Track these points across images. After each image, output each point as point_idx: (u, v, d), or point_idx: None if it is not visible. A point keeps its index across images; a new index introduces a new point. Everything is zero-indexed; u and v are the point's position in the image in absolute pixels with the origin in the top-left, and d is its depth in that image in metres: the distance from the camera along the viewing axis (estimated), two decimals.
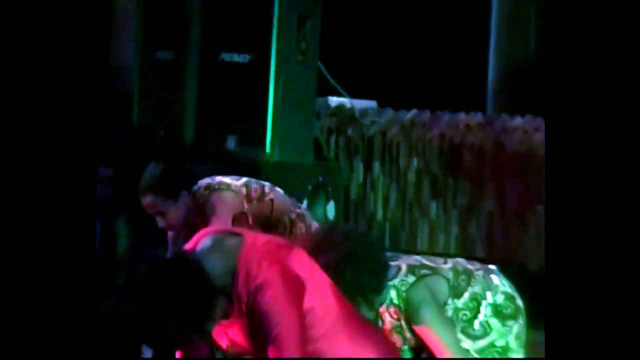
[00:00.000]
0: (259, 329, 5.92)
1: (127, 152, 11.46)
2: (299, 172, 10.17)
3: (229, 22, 10.96)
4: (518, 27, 12.00)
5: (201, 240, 5.96)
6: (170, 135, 11.51)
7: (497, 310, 7.35)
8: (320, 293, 6.12)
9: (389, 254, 7.52)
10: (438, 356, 7.35)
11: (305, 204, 10.29)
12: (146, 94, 11.10)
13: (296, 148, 10.51)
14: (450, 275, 7.35)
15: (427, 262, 7.35)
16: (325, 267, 6.49)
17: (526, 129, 10.60)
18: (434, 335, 7.30)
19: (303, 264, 6.07)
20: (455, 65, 12.13)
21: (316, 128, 10.78)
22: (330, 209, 10.52)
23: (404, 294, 7.25)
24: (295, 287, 5.99)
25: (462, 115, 10.91)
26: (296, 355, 5.97)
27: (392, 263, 7.32)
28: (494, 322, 7.35)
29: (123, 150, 11.43)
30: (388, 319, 7.36)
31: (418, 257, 7.39)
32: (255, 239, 5.99)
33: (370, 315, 7.25)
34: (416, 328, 7.25)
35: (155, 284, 5.66)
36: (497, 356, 7.48)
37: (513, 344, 7.41)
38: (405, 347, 7.48)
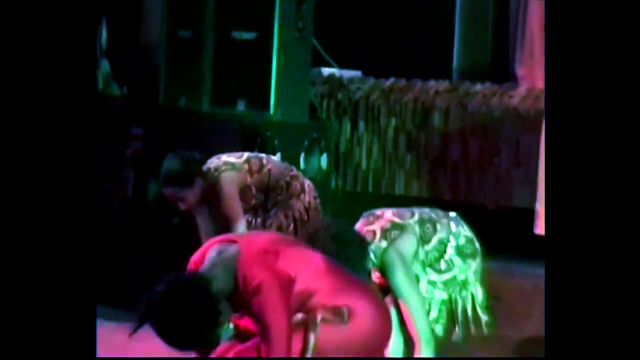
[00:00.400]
0: (259, 325, 6.10)
1: (154, 113, 11.36)
2: (297, 129, 10.38)
3: (238, 5, 10.87)
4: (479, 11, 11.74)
5: (208, 252, 6.13)
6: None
7: (459, 251, 7.57)
8: (310, 273, 6.20)
9: (366, 213, 7.71)
10: (403, 310, 7.40)
11: (302, 156, 10.41)
12: (170, 66, 11.18)
13: (295, 109, 10.63)
14: (417, 229, 7.51)
15: (397, 221, 7.53)
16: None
17: (485, 93, 10.67)
18: (402, 294, 7.37)
19: (291, 260, 6.14)
20: (426, 39, 12.09)
21: (311, 93, 10.95)
22: (323, 160, 10.60)
23: (379, 258, 7.39)
24: (284, 286, 6.06)
25: (432, 82, 11.01)
26: (282, 347, 6.03)
27: (369, 227, 7.48)
28: (457, 260, 7.57)
29: (151, 112, 11.42)
30: (373, 276, 7.52)
31: (389, 216, 7.56)
32: (249, 246, 6.12)
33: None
34: (389, 285, 7.44)
35: (170, 306, 5.87)
36: (458, 288, 7.62)
37: (471, 277, 7.63)
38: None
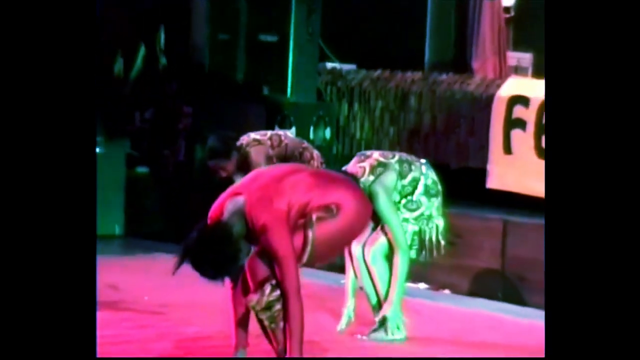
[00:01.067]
0: (269, 254, 6.08)
1: (201, 96, 11.47)
2: (307, 109, 10.70)
3: (264, 15, 11.04)
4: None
5: (225, 204, 6.13)
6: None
7: (426, 190, 7.65)
8: (302, 191, 6.20)
9: (359, 153, 7.87)
10: (387, 227, 7.54)
11: (311, 129, 10.67)
12: (213, 63, 11.45)
13: (306, 94, 10.93)
14: (397, 166, 7.58)
15: (382, 160, 7.60)
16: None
17: (449, 82, 10.68)
18: (385, 216, 7.49)
19: (283, 194, 6.12)
20: (405, 39, 12.23)
21: (318, 81, 11.20)
22: (327, 132, 10.86)
23: (367, 189, 7.38)
24: (281, 220, 6.05)
25: (409, 73, 11.07)
26: (291, 267, 6.05)
27: (360, 164, 7.57)
28: (424, 200, 7.65)
29: (198, 95, 11.54)
30: None
31: (376, 156, 7.65)
32: (251, 195, 6.11)
33: None
34: (375, 209, 7.34)
35: (202, 247, 6.01)
36: (425, 221, 7.68)
37: (435, 212, 7.68)
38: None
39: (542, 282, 8.69)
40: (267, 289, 6.09)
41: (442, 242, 7.72)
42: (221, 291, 8.14)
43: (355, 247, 7.68)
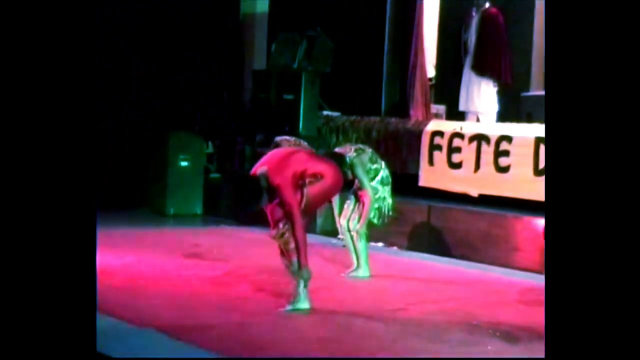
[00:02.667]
0: (282, 204, 5.89)
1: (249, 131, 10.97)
2: (312, 139, 9.77)
3: (286, 81, 10.48)
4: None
5: (257, 169, 5.96)
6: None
7: (382, 180, 7.43)
8: (302, 163, 5.96)
9: (349, 144, 7.69)
10: (364, 193, 7.23)
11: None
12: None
13: (310, 130, 10.48)
14: (370, 154, 7.40)
15: (361, 147, 7.47)
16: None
17: (396, 122, 10.30)
18: (360, 179, 7.25)
19: (291, 165, 5.91)
20: (370, 97, 11.78)
21: (318, 122, 10.80)
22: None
23: (351, 161, 7.20)
24: (288, 182, 5.85)
25: (372, 118, 10.66)
26: (296, 211, 5.85)
27: (347, 147, 7.40)
28: (379, 187, 7.40)
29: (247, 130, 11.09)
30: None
31: (355, 145, 7.49)
32: (271, 166, 5.90)
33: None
34: (355, 178, 7.25)
35: (244, 186, 5.96)
36: (382, 200, 7.40)
37: (387, 195, 7.44)
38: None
39: (454, 241, 8.89)
40: (281, 225, 5.95)
41: (390, 213, 7.53)
42: (261, 250, 8.36)
43: (343, 220, 7.60)
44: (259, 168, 5.97)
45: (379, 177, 7.45)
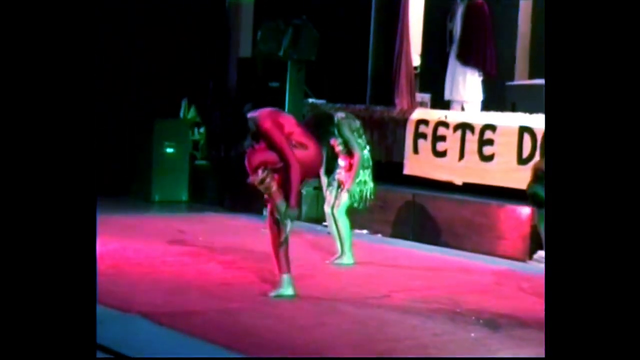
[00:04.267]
0: (273, 147, 5.88)
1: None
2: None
3: (272, 70, 10.39)
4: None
5: (251, 114, 6.04)
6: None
7: (363, 165, 7.43)
8: (291, 126, 6.02)
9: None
10: (351, 157, 7.26)
11: None
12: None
13: (297, 115, 10.42)
14: (358, 124, 7.52)
15: (350, 114, 7.61)
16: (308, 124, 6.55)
17: (381, 110, 10.29)
18: (350, 141, 7.31)
19: (282, 120, 6.02)
20: (355, 86, 11.71)
21: (304, 110, 10.51)
22: None
23: (336, 122, 7.29)
24: (276, 128, 5.89)
25: (357, 105, 10.59)
26: (287, 150, 5.85)
27: (344, 113, 7.56)
28: (360, 172, 7.43)
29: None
30: (334, 144, 7.34)
31: (345, 112, 7.69)
32: (262, 113, 6.00)
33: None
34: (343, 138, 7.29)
35: (236, 124, 6.02)
36: (363, 184, 7.42)
37: (368, 179, 7.48)
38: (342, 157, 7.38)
39: (438, 229, 8.91)
40: (260, 171, 5.90)
41: (372, 197, 7.54)
42: (247, 237, 8.37)
43: (327, 207, 7.61)
44: (253, 114, 6.03)
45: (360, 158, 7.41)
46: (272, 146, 5.88)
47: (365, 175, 7.50)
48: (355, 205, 7.49)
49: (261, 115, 5.99)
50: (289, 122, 6.12)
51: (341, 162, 7.58)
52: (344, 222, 7.53)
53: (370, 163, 7.57)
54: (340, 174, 7.55)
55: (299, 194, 6.15)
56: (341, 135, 7.32)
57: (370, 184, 7.55)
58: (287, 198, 5.89)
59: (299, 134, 6.07)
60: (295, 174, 5.86)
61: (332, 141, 7.44)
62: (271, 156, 5.94)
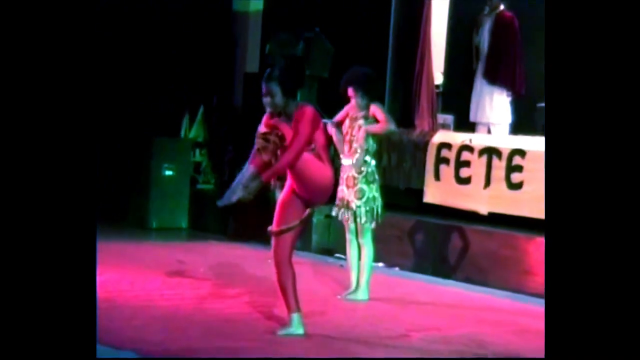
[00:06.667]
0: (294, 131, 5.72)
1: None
2: None
3: None
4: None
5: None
6: None
7: (366, 180, 7.37)
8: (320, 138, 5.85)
9: None
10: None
11: None
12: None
13: None
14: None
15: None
16: None
17: (401, 132, 9.77)
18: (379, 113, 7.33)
19: (321, 125, 5.93)
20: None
21: None
22: None
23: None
24: (315, 125, 5.81)
25: None
26: (300, 146, 5.68)
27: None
28: (364, 187, 7.36)
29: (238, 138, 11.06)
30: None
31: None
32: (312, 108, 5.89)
33: None
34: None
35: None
36: (372, 202, 7.36)
37: (377, 194, 7.43)
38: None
39: (460, 263, 8.94)
40: (272, 134, 5.78)
41: (381, 213, 7.48)
42: (252, 268, 8.37)
43: (349, 234, 7.54)
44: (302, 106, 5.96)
45: (361, 179, 7.39)
46: (295, 130, 5.78)
47: (373, 191, 7.48)
48: (367, 225, 7.45)
49: (310, 106, 5.94)
50: (322, 133, 6.00)
51: (345, 161, 7.49)
52: (369, 251, 7.51)
53: (376, 177, 7.53)
54: (342, 191, 7.50)
55: (276, 176, 6.02)
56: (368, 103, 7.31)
57: (380, 199, 7.52)
58: (264, 170, 5.77)
59: (323, 148, 5.96)
60: (288, 157, 5.73)
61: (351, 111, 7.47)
62: (286, 130, 5.83)
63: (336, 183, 7.40)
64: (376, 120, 7.47)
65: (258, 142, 5.82)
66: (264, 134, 5.81)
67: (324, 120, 10.91)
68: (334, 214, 7.66)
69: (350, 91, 7.47)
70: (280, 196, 6.10)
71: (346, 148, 7.51)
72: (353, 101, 7.51)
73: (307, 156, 5.83)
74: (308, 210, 6.01)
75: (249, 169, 5.82)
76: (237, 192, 5.74)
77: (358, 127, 7.48)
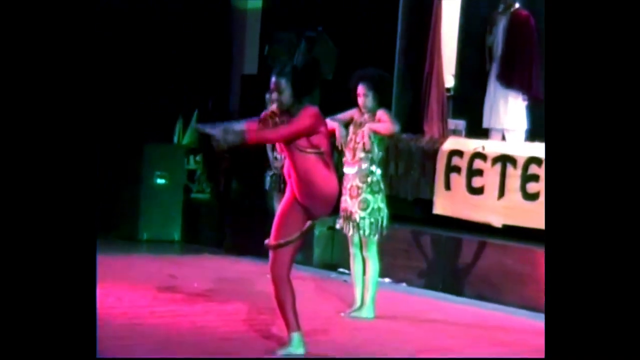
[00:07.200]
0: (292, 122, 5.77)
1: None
2: None
3: None
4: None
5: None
6: None
7: (371, 190, 7.36)
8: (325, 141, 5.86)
9: None
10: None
11: None
12: None
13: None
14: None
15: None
16: None
17: (407, 139, 10.20)
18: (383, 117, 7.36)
19: (325, 129, 5.94)
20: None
21: None
22: None
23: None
24: (318, 123, 5.85)
25: None
26: (288, 130, 5.75)
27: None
28: (369, 197, 7.35)
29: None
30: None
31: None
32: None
33: None
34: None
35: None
36: (377, 212, 7.35)
37: (382, 205, 7.42)
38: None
39: (472, 279, 8.96)
40: (281, 117, 5.87)
41: (386, 224, 7.47)
42: (249, 284, 8.36)
43: (353, 247, 7.56)
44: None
45: (366, 189, 7.39)
46: (296, 119, 5.83)
47: (378, 201, 7.46)
48: (372, 238, 7.43)
49: (316, 107, 5.97)
50: (325, 139, 5.97)
51: (348, 170, 7.49)
52: (374, 266, 7.51)
53: (381, 187, 7.53)
54: (345, 201, 7.49)
55: (259, 140, 5.97)
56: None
57: (385, 210, 7.50)
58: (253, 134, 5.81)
59: (327, 155, 5.96)
60: (281, 132, 5.80)
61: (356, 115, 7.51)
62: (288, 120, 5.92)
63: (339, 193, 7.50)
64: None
65: (266, 115, 5.91)
66: (274, 113, 5.87)
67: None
68: (338, 226, 7.67)
69: (361, 88, 7.47)
70: (280, 206, 6.10)
71: (349, 156, 7.54)
72: (361, 101, 7.53)
73: (314, 159, 5.83)
74: (309, 222, 5.98)
75: (241, 125, 5.86)
76: (217, 129, 5.69)
77: (362, 133, 7.50)
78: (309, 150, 5.83)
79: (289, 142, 5.83)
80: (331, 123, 7.36)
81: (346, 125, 7.62)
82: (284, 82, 5.87)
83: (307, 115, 5.83)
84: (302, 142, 5.83)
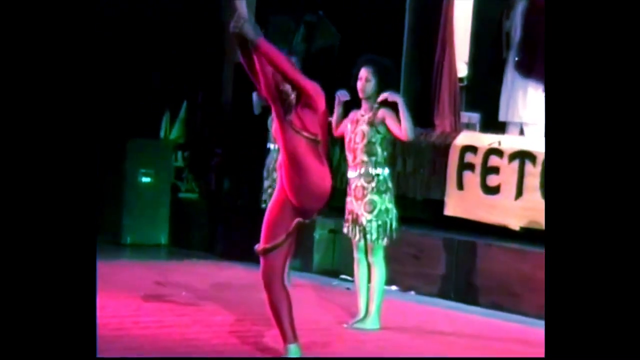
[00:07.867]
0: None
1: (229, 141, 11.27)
2: None
3: None
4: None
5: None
6: None
7: (377, 190, 7.37)
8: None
9: None
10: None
11: None
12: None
13: None
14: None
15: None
16: None
17: (417, 134, 9.77)
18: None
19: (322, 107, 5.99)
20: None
21: None
22: None
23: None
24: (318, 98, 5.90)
25: None
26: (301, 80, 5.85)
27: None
28: (375, 198, 7.38)
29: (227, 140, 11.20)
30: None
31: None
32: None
33: None
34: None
35: None
36: (385, 214, 7.38)
37: (390, 205, 7.43)
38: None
39: (488, 286, 8.95)
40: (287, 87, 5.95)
41: (395, 225, 7.51)
42: (243, 292, 8.36)
43: (357, 252, 7.57)
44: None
45: (372, 190, 7.43)
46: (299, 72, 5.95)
47: (386, 202, 7.49)
48: (380, 240, 7.45)
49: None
50: (321, 129, 6.05)
51: (351, 173, 7.52)
52: (380, 273, 7.53)
53: (390, 186, 7.55)
54: (351, 203, 7.53)
55: (266, 52, 5.96)
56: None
57: (394, 211, 7.53)
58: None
59: (324, 147, 6.06)
60: (281, 58, 5.94)
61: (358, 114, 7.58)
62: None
63: (344, 194, 7.55)
64: (384, 127, 7.50)
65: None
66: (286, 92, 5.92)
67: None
68: (345, 230, 7.66)
69: (364, 72, 7.50)
70: (269, 204, 6.11)
71: (351, 157, 7.56)
72: (360, 84, 7.52)
73: (306, 143, 5.84)
74: (297, 220, 5.94)
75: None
76: (244, 10, 5.89)
77: (362, 132, 7.54)
78: (304, 133, 5.84)
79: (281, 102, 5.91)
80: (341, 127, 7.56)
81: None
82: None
83: (313, 83, 5.88)
84: (297, 121, 5.83)
